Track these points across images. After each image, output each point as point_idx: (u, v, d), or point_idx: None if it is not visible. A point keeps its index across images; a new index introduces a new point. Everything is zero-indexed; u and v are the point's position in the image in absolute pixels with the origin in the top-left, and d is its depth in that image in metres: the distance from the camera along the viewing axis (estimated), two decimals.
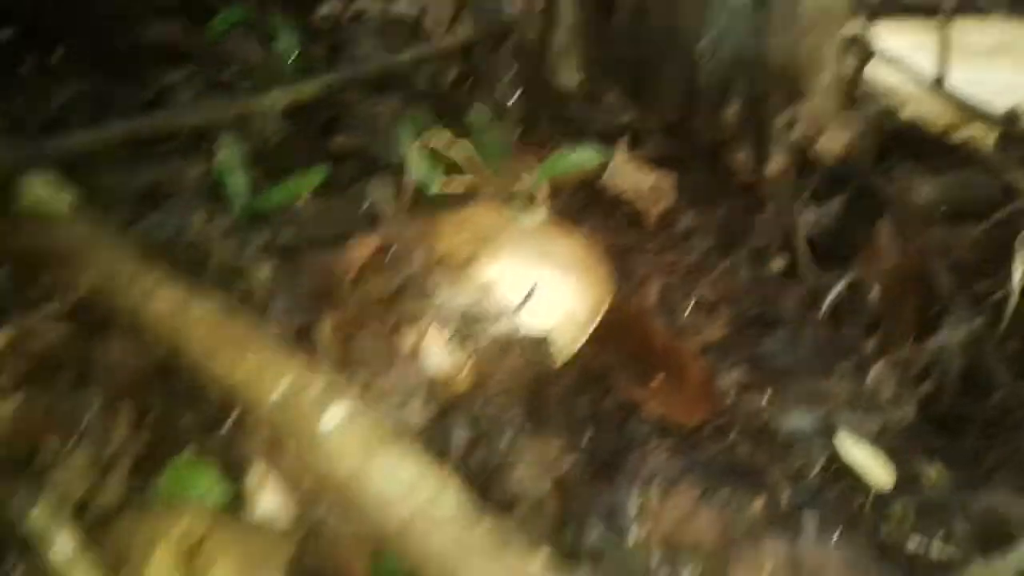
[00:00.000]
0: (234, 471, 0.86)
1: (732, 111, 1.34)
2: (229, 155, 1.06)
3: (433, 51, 1.30)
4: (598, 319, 0.92)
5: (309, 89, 1.09)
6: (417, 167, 1.20)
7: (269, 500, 0.81)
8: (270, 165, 1.46)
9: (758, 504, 1.02)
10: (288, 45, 1.45)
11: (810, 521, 1.01)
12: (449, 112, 1.44)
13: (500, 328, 0.84)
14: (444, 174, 1.21)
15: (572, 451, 0.89)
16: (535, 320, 0.87)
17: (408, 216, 0.93)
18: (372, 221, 1.18)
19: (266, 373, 0.62)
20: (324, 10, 1.93)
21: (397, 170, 1.49)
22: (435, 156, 1.24)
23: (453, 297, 0.85)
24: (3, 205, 0.88)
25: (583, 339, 0.90)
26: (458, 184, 1.10)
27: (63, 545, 0.65)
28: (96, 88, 1.67)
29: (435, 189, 1.18)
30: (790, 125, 1.45)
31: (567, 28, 1.35)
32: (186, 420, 0.80)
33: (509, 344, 0.83)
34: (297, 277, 0.89)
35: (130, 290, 0.72)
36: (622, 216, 1.39)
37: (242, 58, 1.77)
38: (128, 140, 1.06)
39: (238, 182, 1.07)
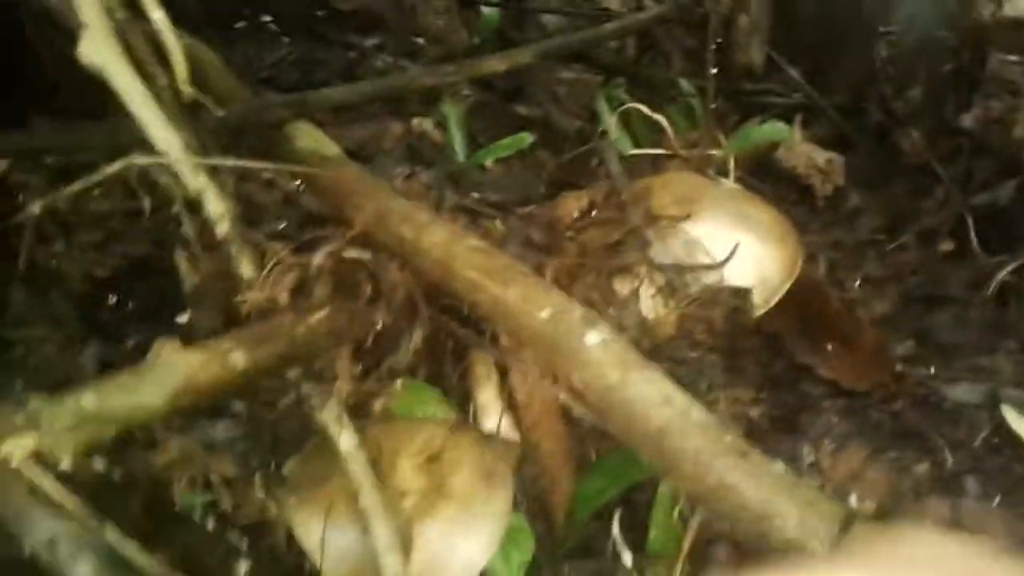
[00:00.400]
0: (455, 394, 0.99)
1: (911, 94, 1.37)
2: (454, 115, 1.18)
3: (626, 25, 1.38)
4: (788, 284, 1.00)
5: (522, 57, 1.19)
6: (615, 134, 1.30)
7: (494, 418, 0.93)
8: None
9: (923, 467, 1.08)
10: (489, 17, 1.56)
11: (972, 485, 1.07)
12: (638, 85, 1.53)
13: (706, 281, 0.94)
14: (636, 144, 1.30)
15: (757, 403, 0.97)
16: (735, 278, 0.96)
17: (616, 178, 1.02)
18: (568, 182, 1.29)
19: (533, 298, 0.73)
20: None
21: (580, 138, 1.60)
22: (629, 125, 1.33)
23: (665, 251, 0.95)
24: (280, 147, 1.03)
25: (774, 301, 0.99)
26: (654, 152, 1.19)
27: (348, 439, 0.79)
28: (301, 50, 1.84)
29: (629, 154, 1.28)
30: (966, 109, 1.48)
31: (756, 6, 1.41)
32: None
33: (714, 296, 0.92)
34: (518, 227, 1.01)
35: (406, 223, 0.84)
36: (793, 191, 1.45)
37: (434, 29, 1.91)
38: (377, 96, 1.19)
39: (460, 140, 1.19)
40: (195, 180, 0.74)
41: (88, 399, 0.67)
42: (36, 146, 1.20)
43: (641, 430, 0.64)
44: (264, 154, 1.03)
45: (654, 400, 0.65)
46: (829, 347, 1.15)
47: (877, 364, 1.14)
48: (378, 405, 1.11)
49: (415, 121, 1.62)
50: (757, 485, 0.59)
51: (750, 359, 1.02)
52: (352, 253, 0.86)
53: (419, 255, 0.83)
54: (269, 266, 0.86)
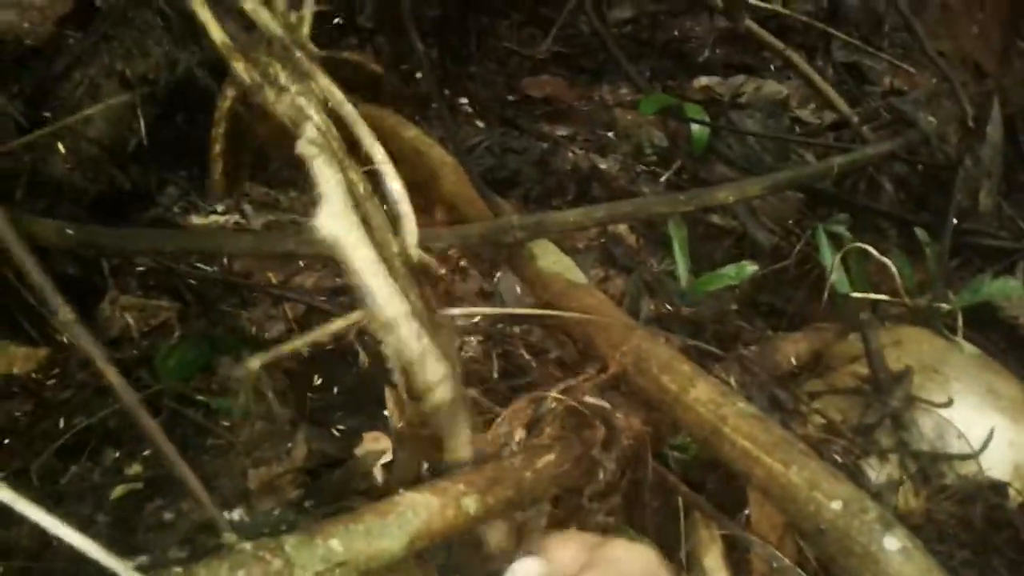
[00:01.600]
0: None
1: None
2: (678, 238, 1.17)
3: (856, 159, 1.33)
4: None
5: (751, 189, 1.17)
6: (837, 273, 1.25)
7: None
8: None
9: None
10: (700, 135, 1.55)
11: None
12: (847, 210, 1.48)
13: (960, 471, 0.88)
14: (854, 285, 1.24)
15: None
16: (989, 465, 0.90)
17: (874, 355, 0.96)
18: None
19: (819, 484, 0.69)
20: (703, 82, 2.03)
21: (775, 254, 1.56)
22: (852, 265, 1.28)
23: (917, 434, 0.90)
24: (521, 263, 1.03)
25: None
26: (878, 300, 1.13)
27: None
28: (495, 136, 1.85)
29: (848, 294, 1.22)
30: None
31: (992, 147, 1.34)
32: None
33: (971, 490, 0.86)
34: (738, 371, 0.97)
35: (668, 373, 0.82)
36: (1013, 343, 1.37)
37: (623, 123, 1.91)
38: (609, 220, 1.19)
39: (683, 264, 1.17)
40: (416, 345, 0.72)
41: (336, 543, 0.67)
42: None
43: None
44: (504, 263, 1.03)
45: None
46: None
47: None
48: None
49: (610, 224, 1.62)
50: None
51: (1001, 556, 0.95)
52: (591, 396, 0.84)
53: (682, 409, 0.80)
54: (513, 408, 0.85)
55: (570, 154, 1.82)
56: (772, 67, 2.12)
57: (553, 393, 0.82)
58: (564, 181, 1.75)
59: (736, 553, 0.90)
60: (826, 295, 1.21)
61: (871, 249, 1.18)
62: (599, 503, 0.90)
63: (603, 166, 1.80)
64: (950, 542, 0.87)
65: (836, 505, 0.69)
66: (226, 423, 1.23)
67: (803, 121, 1.92)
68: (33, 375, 1.30)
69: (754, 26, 1.87)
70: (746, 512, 0.86)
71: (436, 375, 0.74)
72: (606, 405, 0.85)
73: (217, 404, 1.25)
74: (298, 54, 0.67)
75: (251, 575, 0.60)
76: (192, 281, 1.42)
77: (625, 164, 1.81)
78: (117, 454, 1.18)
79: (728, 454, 0.78)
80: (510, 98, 2.03)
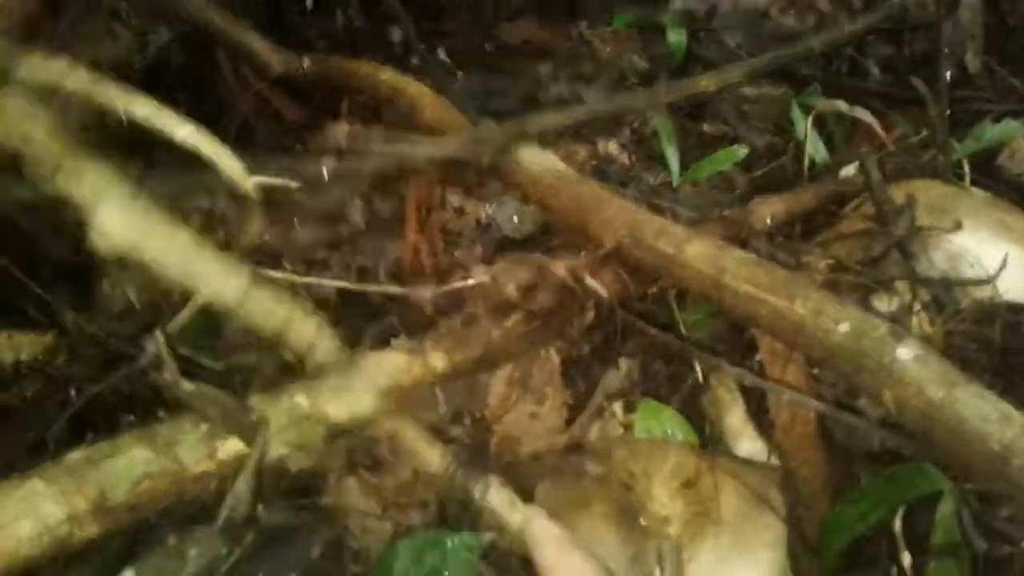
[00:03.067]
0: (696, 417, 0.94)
1: None
2: (666, 131, 1.15)
3: (837, 37, 1.31)
4: None
5: (731, 76, 1.15)
6: (811, 142, 1.23)
7: (748, 442, 0.87)
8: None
9: None
10: (677, 42, 1.53)
11: None
12: (834, 95, 1.46)
13: (976, 296, 0.86)
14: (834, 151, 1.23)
15: None
16: (1004, 291, 0.88)
17: (876, 188, 0.94)
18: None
19: (825, 311, 0.68)
20: (677, 4, 2.01)
21: (771, 153, 1.54)
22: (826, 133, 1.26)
23: (929, 265, 0.88)
24: (509, 170, 1.02)
25: None
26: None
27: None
28: (476, 81, 1.84)
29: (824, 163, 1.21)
30: None
31: (970, 8, 1.32)
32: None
33: (989, 312, 0.84)
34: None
35: (663, 238, 0.81)
36: (1017, 197, 1.35)
37: (608, 57, 1.89)
38: (591, 119, 1.18)
39: (673, 155, 1.16)
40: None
41: (302, 399, 0.66)
42: None
43: (979, 451, 0.58)
44: (490, 173, 1.02)
45: (991, 417, 0.58)
46: None
47: None
48: (594, 430, 1.08)
49: (600, 143, 1.60)
50: None
51: (1021, 378, 0.93)
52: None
53: (682, 268, 0.79)
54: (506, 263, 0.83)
55: (554, 89, 1.80)
56: None
57: (541, 260, 0.81)
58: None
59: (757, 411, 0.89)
60: (806, 166, 1.21)
61: (843, 106, 1.16)
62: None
63: (588, 96, 1.78)
64: (971, 367, 0.85)
65: (844, 327, 0.68)
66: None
67: (785, 26, 1.89)
68: (40, 358, 1.30)
69: None
70: (757, 359, 0.84)
71: (309, 333, 0.72)
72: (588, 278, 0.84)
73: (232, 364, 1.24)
74: None
75: (215, 428, 0.59)
76: None
77: (610, 91, 1.79)
78: (132, 418, 1.18)
79: (731, 303, 0.77)
80: (487, 47, 2.02)
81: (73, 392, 1.19)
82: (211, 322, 1.28)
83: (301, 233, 1.45)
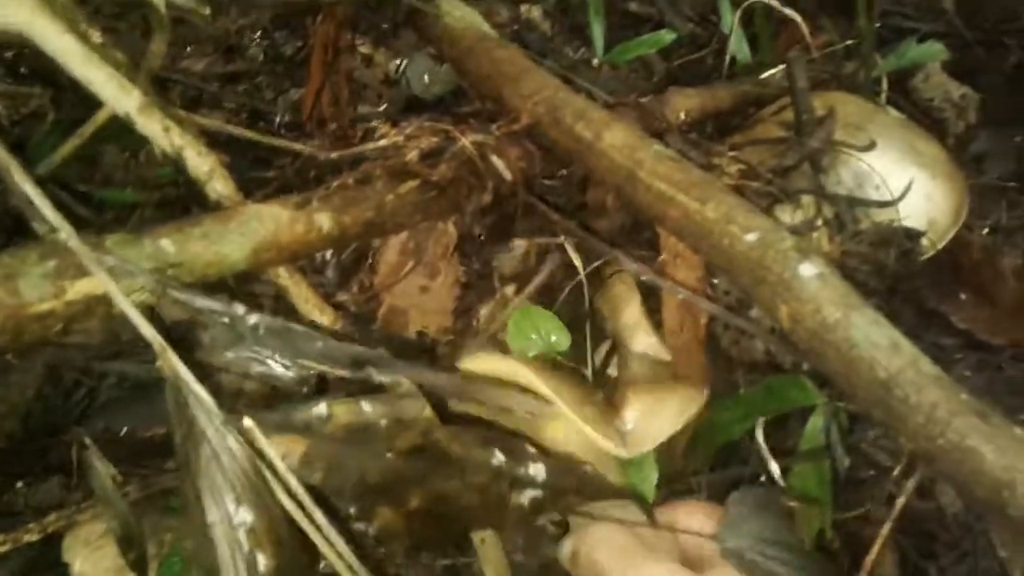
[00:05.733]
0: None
1: None
2: (595, 5, 1.09)
3: None
4: (956, 229, 0.93)
5: None
6: (736, 39, 1.21)
7: (643, 338, 0.87)
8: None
9: None
10: None
11: None
12: None
13: (876, 218, 0.87)
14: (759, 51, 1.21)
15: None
16: (905, 216, 0.89)
17: (800, 95, 0.92)
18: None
19: (735, 218, 0.66)
20: None
21: (693, 42, 1.50)
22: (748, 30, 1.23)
23: (836, 180, 0.88)
24: (428, 22, 0.94)
25: (942, 245, 0.92)
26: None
27: None
28: None
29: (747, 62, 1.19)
30: None
31: None
32: None
33: (887, 235, 0.85)
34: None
35: (582, 121, 0.77)
36: (925, 123, 1.37)
37: None
38: None
39: (599, 32, 1.11)
40: (166, 140, 0.65)
41: (168, 244, 0.62)
42: None
43: (865, 376, 0.58)
44: (410, 27, 0.95)
45: (881, 345, 0.59)
46: (963, 296, 1.09)
47: (1017, 319, 1.07)
48: (485, 312, 1.07)
49: (524, 7, 1.52)
50: (999, 450, 0.54)
51: (905, 304, 0.95)
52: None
53: (597, 156, 0.76)
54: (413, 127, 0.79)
55: None
56: None
57: (450, 129, 0.77)
58: None
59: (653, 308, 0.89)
60: (727, 62, 1.18)
61: (775, 3, 1.13)
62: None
63: None
64: (861, 289, 0.87)
65: (751, 237, 0.67)
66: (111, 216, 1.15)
67: None
68: None
69: None
70: (660, 259, 0.83)
71: (203, 169, 0.67)
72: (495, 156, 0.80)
73: (106, 196, 1.15)
74: None
75: (63, 264, 0.54)
76: None
77: None
78: None
79: (643, 198, 0.75)
80: None
81: None
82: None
83: (193, 61, 1.34)
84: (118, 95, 0.61)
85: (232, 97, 1.30)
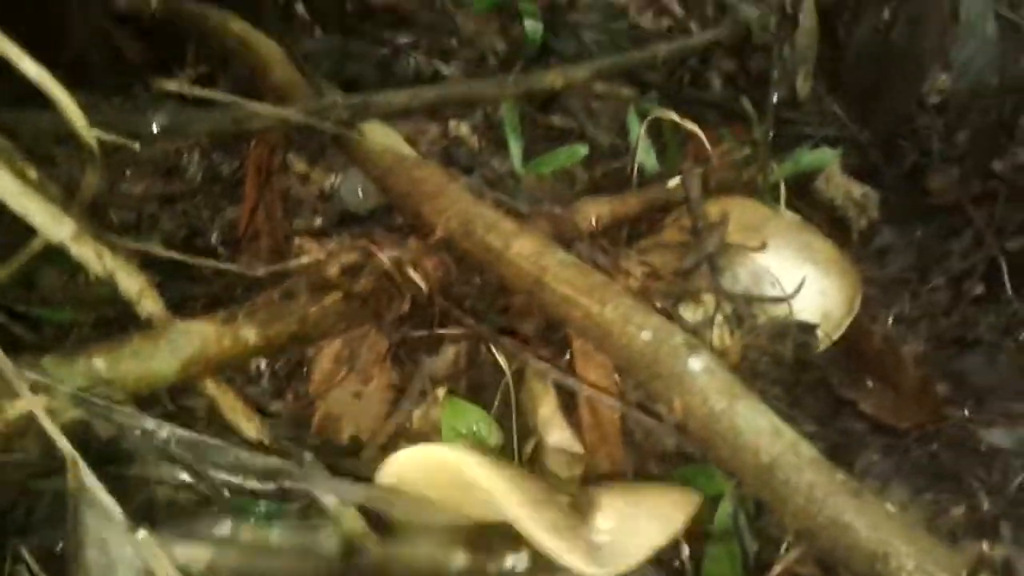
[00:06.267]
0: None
1: (958, 138, 1.39)
2: (511, 122, 1.17)
3: (682, 47, 1.38)
4: (849, 320, 1.00)
5: (578, 74, 1.19)
6: (643, 148, 1.30)
7: (558, 432, 0.91)
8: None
9: (959, 510, 1.08)
10: (533, 30, 1.55)
11: (1007, 530, 1.07)
12: (674, 104, 1.52)
13: (773, 313, 0.93)
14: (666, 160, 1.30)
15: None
16: (800, 311, 0.96)
17: (694, 203, 1.00)
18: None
19: (632, 318, 0.72)
20: None
21: (613, 152, 1.60)
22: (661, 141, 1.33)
23: (733, 279, 0.94)
24: (350, 142, 1.01)
25: (836, 336, 0.99)
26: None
27: None
28: (334, 42, 1.81)
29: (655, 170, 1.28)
30: (1001, 154, 1.50)
31: (805, 35, 1.41)
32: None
33: (782, 329, 0.92)
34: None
35: (493, 232, 0.83)
36: (828, 221, 1.46)
37: (468, 31, 1.89)
38: (437, 103, 1.18)
39: (516, 147, 1.18)
40: (98, 264, 0.70)
41: (100, 362, 0.66)
42: None
43: (749, 461, 0.63)
44: (334, 145, 1.01)
45: (764, 431, 0.64)
46: (870, 383, 1.16)
47: (919, 403, 1.14)
48: (418, 414, 1.10)
49: (452, 124, 1.61)
50: (872, 525, 0.58)
51: (808, 393, 1.02)
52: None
53: (506, 264, 0.82)
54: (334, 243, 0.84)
55: (412, 60, 1.80)
56: None
57: (369, 245, 0.82)
58: (406, 86, 1.73)
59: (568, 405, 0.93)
60: (634, 171, 1.27)
61: (675, 117, 1.22)
62: None
63: (445, 72, 1.79)
64: (763, 379, 0.93)
65: (646, 335, 0.73)
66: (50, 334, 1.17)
67: (641, 27, 1.96)
68: None
69: None
70: (566, 358, 0.88)
71: (133, 289, 0.72)
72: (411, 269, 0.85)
73: (44, 314, 1.18)
74: None
75: (1, 386, 0.57)
76: None
77: (467, 70, 1.80)
78: None
79: (549, 301, 0.80)
80: (349, 7, 1.98)
81: None
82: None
83: (132, 184, 1.39)
84: (52, 226, 0.66)
85: (170, 217, 1.35)
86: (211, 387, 0.72)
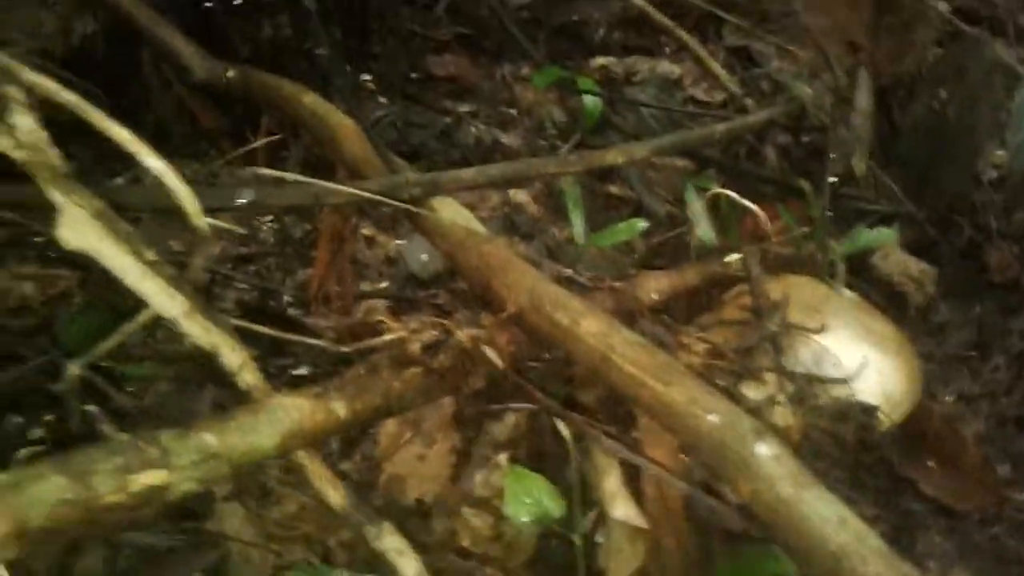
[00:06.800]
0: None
1: (1017, 216, 1.40)
2: (573, 196, 1.21)
3: (740, 126, 1.41)
4: (910, 403, 1.01)
5: (639, 152, 1.23)
6: (702, 223, 1.32)
7: (622, 507, 0.93)
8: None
9: None
10: (593, 107, 1.60)
11: None
12: (731, 177, 1.56)
13: (835, 394, 0.95)
14: (724, 234, 1.32)
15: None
16: (861, 393, 0.97)
17: (755, 281, 1.03)
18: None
19: (699, 400, 0.74)
20: (599, 61, 2.10)
21: (671, 222, 1.63)
22: (718, 215, 1.35)
23: (795, 359, 0.96)
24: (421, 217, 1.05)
25: (897, 419, 1.00)
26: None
27: None
28: (397, 110, 1.88)
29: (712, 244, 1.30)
30: None
31: (860, 114, 1.44)
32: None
33: (844, 410, 0.93)
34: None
35: (561, 310, 0.86)
36: (886, 299, 1.47)
37: (527, 102, 1.95)
38: (503, 181, 1.22)
39: (579, 219, 1.22)
40: (207, 338, 0.74)
41: (211, 437, 0.69)
42: None
43: (816, 550, 0.65)
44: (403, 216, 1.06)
45: (830, 520, 0.66)
46: (931, 463, 1.16)
47: (981, 485, 1.14)
48: (479, 479, 1.13)
49: (512, 192, 1.66)
50: None
51: (869, 473, 1.02)
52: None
53: (574, 342, 0.85)
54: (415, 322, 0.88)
55: (472, 129, 1.86)
56: (666, 50, 2.20)
57: (447, 322, 0.86)
58: (467, 154, 1.79)
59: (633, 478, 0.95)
60: (693, 246, 1.29)
61: (735, 196, 1.25)
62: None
63: (505, 140, 1.85)
64: (825, 460, 0.94)
65: (713, 418, 0.75)
66: (131, 389, 1.23)
67: (696, 99, 2.01)
68: None
69: (649, 9, 1.96)
70: (634, 435, 0.91)
71: (235, 362, 0.76)
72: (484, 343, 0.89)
73: (126, 370, 1.24)
74: None
75: (128, 462, 0.61)
76: None
77: (526, 139, 1.86)
78: (21, 420, 1.17)
79: (616, 379, 0.83)
80: (413, 76, 2.06)
81: None
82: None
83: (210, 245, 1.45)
84: (167, 303, 0.70)
85: (244, 278, 1.41)
86: (302, 456, 0.76)
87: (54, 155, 0.69)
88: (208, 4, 1.76)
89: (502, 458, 1.13)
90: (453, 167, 1.73)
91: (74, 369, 0.79)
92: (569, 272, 1.06)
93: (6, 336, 1.31)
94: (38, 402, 1.19)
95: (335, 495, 0.75)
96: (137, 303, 1.23)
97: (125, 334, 0.76)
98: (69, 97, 0.71)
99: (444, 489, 1.12)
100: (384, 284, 1.46)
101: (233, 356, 0.74)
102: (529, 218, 1.61)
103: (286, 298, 1.39)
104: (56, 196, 0.67)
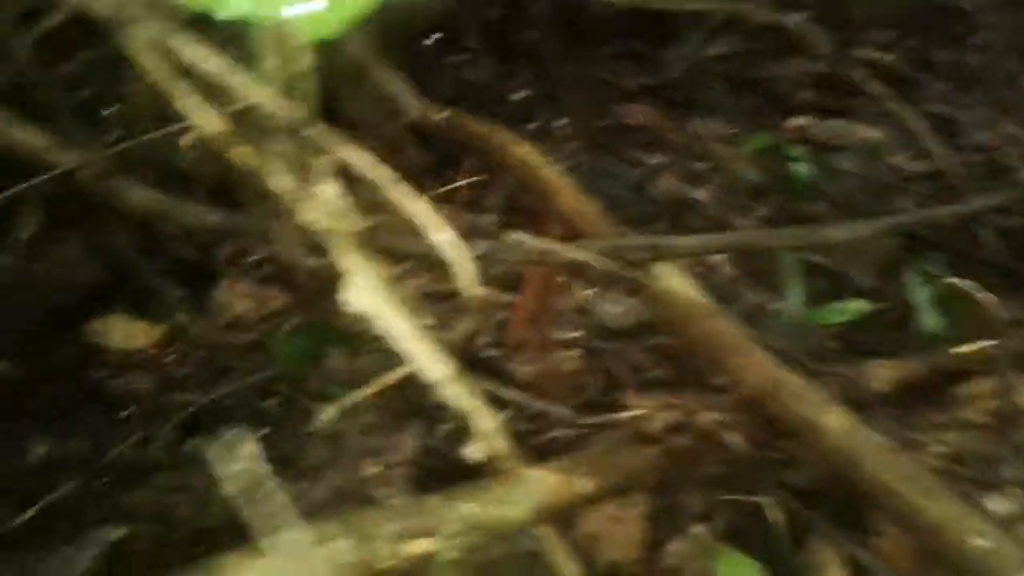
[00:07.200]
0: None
1: None
2: (792, 270, 1.19)
3: (966, 211, 1.36)
4: None
5: (861, 231, 1.20)
6: (927, 311, 1.27)
7: None
8: None
9: None
10: (800, 174, 1.58)
11: None
12: (948, 257, 1.49)
13: None
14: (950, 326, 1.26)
15: None
16: None
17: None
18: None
19: (962, 520, 0.71)
20: (796, 122, 2.06)
21: (873, 295, 1.57)
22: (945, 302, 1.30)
23: None
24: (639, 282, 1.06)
25: None
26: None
27: None
28: (590, 159, 1.90)
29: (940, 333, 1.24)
30: None
31: None
32: None
33: None
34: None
35: (803, 402, 0.85)
36: None
37: (719, 157, 1.93)
38: (722, 249, 1.21)
39: (797, 294, 1.20)
40: (466, 402, 0.75)
41: (474, 507, 0.71)
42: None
43: None
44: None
45: None
46: None
47: None
48: (672, 548, 1.11)
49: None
50: None
51: None
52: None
53: (818, 436, 0.83)
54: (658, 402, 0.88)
55: (663, 184, 1.85)
56: (863, 112, 2.14)
57: (693, 406, 0.86)
58: (658, 208, 1.78)
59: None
60: (913, 332, 1.24)
61: (966, 284, 1.19)
62: None
63: (697, 196, 1.83)
64: None
65: (980, 542, 0.71)
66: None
67: (897, 167, 1.94)
68: (151, 350, 1.36)
69: (851, 70, 1.91)
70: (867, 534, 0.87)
71: (487, 428, 0.77)
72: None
73: (331, 392, 1.29)
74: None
75: (405, 528, 0.64)
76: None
77: (718, 196, 1.84)
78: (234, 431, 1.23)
79: (862, 483, 0.80)
80: (602, 124, 2.07)
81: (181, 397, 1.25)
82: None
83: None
84: (433, 368, 0.73)
85: (438, 311, 1.44)
86: (544, 531, 0.77)
87: (355, 222, 0.73)
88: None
89: (698, 529, 1.11)
90: (644, 220, 1.74)
91: (329, 413, 0.83)
92: (794, 354, 1.04)
93: (221, 351, 1.39)
94: (249, 418, 1.26)
95: (573, 571, 0.76)
96: (354, 326, 1.29)
97: (378, 387, 0.78)
98: (376, 170, 0.74)
99: (638, 554, 1.12)
100: (577, 334, 1.47)
101: (486, 423, 0.76)
102: (725, 280, 1.58)
103: (484, 340, 1.42)
104: (349, 263, 0.71)
